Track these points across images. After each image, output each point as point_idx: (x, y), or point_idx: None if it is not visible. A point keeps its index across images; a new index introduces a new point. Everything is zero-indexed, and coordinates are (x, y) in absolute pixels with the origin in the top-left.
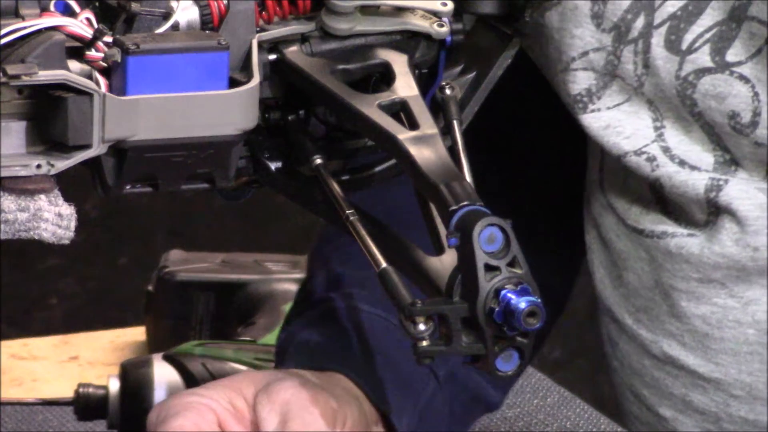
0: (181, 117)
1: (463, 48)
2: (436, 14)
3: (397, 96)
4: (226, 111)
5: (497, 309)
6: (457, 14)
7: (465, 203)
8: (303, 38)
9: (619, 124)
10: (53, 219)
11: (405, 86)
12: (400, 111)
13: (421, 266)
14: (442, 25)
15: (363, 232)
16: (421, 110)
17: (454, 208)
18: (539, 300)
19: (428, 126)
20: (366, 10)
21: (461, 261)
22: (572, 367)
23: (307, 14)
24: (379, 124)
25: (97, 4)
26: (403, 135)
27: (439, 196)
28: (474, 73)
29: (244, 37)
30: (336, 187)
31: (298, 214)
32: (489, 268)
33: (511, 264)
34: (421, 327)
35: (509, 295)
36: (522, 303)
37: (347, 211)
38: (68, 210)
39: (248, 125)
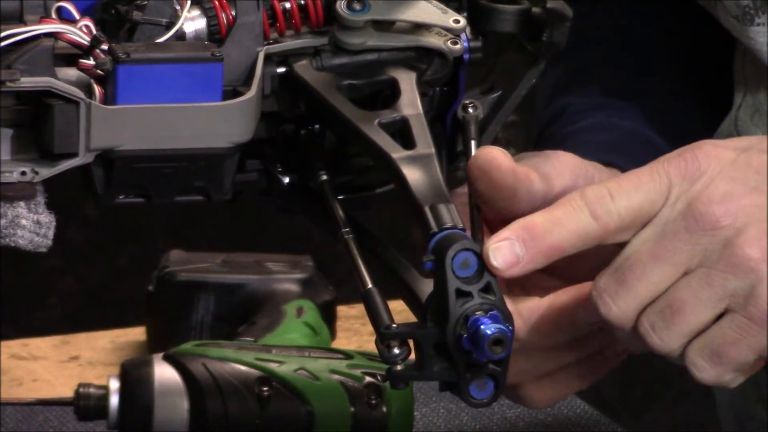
0: (169, 128)
1: (489, 66)
2: (450, 31)
3: (399, 114)
4: (217, 123)
5: (465, 335)
6: (475, 32)
7: (446, 226)
8: (315, 51)
9: None
10: (31, 226)
11: (408, 104)
12: (401, 129)
13: (412, 288)
14: (455, 43)
15: (354, 252)
16: (420, 129)
17: (434, 231)
18: (509, 328)
19: (424, 146)
20: (379, 26)
21: (435, 285)
22: None
23: (320, 28)
24: (375, 141)
25: (102, 12)
26: (397, 154)
27: (423, 218)
28: (499, 92)
29: (251, 48)
30: (336, 204)
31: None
32: (461, 293)
33: (485, 290)
34: (396, 351)
35: (478, 321)
36: (488, 330)
37: (342, 229)
38: (48, 218)
39: (242, 138)
